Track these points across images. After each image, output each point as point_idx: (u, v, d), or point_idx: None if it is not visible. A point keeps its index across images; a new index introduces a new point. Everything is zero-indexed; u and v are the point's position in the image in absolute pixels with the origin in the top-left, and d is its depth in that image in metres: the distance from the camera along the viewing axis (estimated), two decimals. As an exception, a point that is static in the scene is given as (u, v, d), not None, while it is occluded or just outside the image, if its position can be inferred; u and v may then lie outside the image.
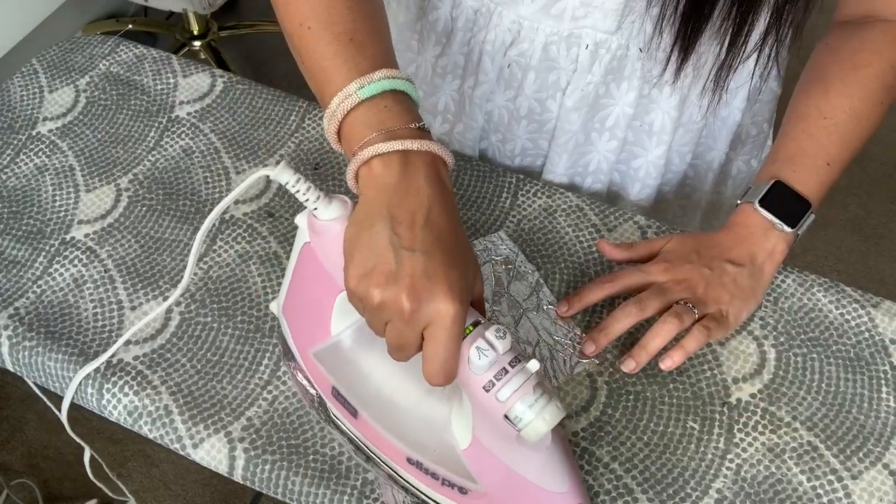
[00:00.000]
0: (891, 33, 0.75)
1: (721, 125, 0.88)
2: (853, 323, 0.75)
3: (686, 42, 0.72)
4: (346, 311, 0.61)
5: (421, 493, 0.62)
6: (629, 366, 0.69)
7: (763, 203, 0.72)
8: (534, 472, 0.57)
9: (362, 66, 0.59)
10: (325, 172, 0.84)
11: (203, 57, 2.07)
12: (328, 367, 0.64)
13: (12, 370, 0.74)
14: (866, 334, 0.74)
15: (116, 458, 1.60)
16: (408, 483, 0.62)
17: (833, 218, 1.99)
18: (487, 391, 0.53)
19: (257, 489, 0.67)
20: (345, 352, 0.64)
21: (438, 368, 0.53)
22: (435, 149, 0.57)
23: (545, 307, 0.74)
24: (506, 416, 0.53)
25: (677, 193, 0.94)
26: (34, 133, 0.87)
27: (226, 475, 0.67)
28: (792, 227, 0.72)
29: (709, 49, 0.74)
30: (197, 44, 2.07)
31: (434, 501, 0.62)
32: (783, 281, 0.77)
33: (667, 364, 0.68)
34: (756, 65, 0.76)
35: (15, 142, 0.86)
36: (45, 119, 0.88)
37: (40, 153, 0.85)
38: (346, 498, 0.65)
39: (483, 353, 0.52)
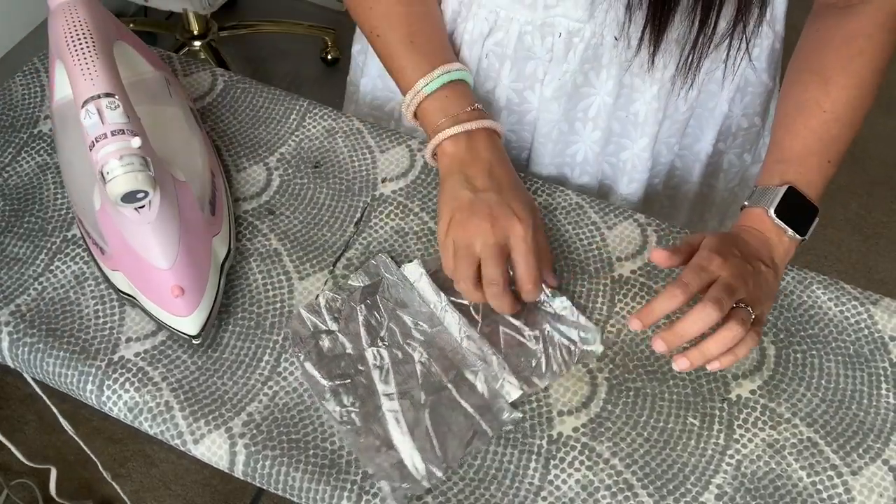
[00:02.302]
0: (880, 16, 0.75)
1: (708, 116, 0.88)
2: (853, 320, 0.75)
3: (657, 27, 0.73)
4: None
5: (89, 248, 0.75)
6: (682, 364, 0.65)
7: (776, 210, 0.71)
8: (139, 243, 0.67)
9: (423, 66, 0.76)
10: (326, 171, 0.84)
11: (203, 57, 2.07)
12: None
13: (12, 367, 0.74)
14: (866, 331, 0.74)
15: (116, 458, 1.60)
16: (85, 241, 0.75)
17: (833, 218, 1.99)
18: (91, 148, 0.63)
19: (258, 485, 0.67)
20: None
21: (526, 274, 0.70)
22: (488, 124, 0.75)
23: (545, 307, 0.75)
24: (101, 173, 0.63)
25: (666, 185, 0.94)
26: (35, 132, 0.87)
27: (226, 471, 0.67)
28: (802, 235, 0.72)
29: (681, 35, 0.75)
30: (197, 44, 2.07)
31: (93, 258, 0.75)
32: (783, 278, 0.77)
33: (716, 365, 0.65)
34: (728, 49, 0.76)
35: (17, 140, 0.86)
36: (46, 118, 0.88)
37: (42, 151, 0.85)
38: (346, 493, 0.65)
39: (90, 115, 0.63)
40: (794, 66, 0.79)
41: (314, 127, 0.87)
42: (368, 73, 0.98)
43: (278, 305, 0.74)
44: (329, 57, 2.23)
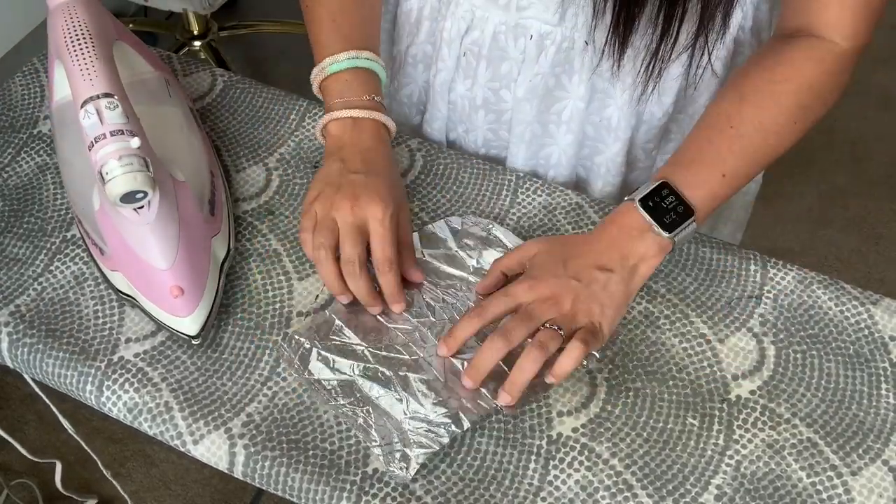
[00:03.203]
0: (816, 51, 0.72)
1: (688, 122, 0.89)
2: (853, 320, 0.75)
3: (620, 33, 0.73)
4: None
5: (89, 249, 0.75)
6: (504, 399, 0.66)
7: (644, 202, 0.70)
8: (138, 244, 0.67)
9: (336, 46, 0.77)
10: (325, 170, 0.84)
11: (203, 57, 2.07)
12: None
13: (12, 367, 0.74)
14: (866, 331, 0.74)
15: (116, 458, 1.60)
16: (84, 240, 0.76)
17: (833, 218, 1.99)
18: (90, 148, 0.63)
19: (257, 485, 0.67)
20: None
21: (380, 254, 0.71)
22: (377, 117, 0.76)
23: None
24: (100, 173, 0.63)
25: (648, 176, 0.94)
26: (35, 132, 0.87)
27: (226, 471, 0.67)
28: (668, 232, 0.69)
29: (646, 43, 0.75)
30: (197, 44, 2.07)
31: (93, 258, 0.75)
32: (783, 278, 0.77)
33: (550, 379, 0.66)
34: (690, 58, 0.76)
35: (16, 140, 0.86)
36: (45, 118, 0.88)
37: (41, 152, 0.85)
38: (345, 494, 0.65)
39: (89, 115, 0.63)
40: (727, 80, 0.78)
41: (314, 127, 0.87)
42: None
43: (278, 306, 0.74)
44: (329, 57, 2.23)
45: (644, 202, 0.70)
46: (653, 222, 0.69)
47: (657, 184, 0.70)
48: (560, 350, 0.67)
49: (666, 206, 0.70)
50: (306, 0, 0.80)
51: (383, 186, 0.73)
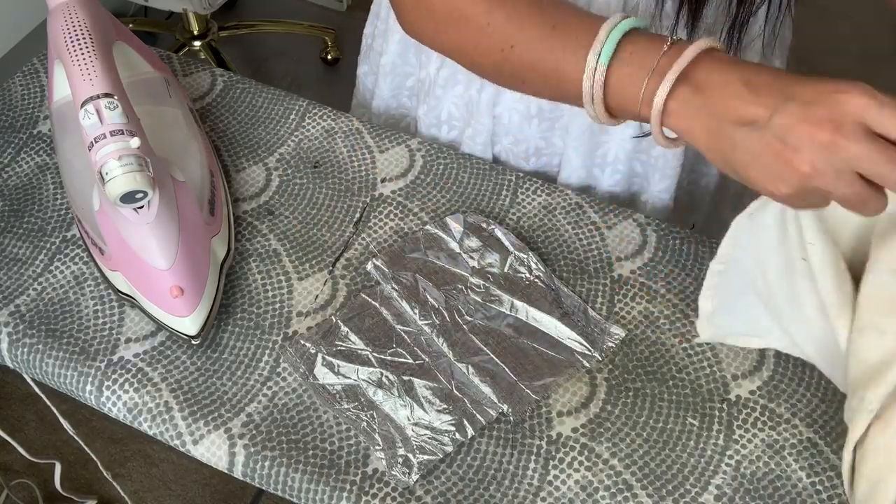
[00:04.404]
0: None
1: None
2: (852, 320, 0.75)
3: (692, 10, 0.68)
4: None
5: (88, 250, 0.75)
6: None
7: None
8: (138, 244, 0.67)
9: (582, 40, 0.57)
10: (325, 171, 0.84)
11: (203, 57, 2.07)
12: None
13: (12, 367, 0.74)
14: (865, 331, 0.74)
15: (116, 458, 1.60)
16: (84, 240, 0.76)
17: (833, 218, 1.99)
18: (90, 148, 0.63)
19: (257, 485, 0.67)
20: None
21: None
22: (700, 47, 0.54)
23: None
24: (100, 173, 0.62)
25: (688, 179, 0.93)
26: (35, 132, 0.87)
27: (226, 472, 0.67)
28: None
29: (716, 14, 0.70)
30: (197, 44, 2.07)
31: (93, 258, 0.75)
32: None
33: None
34: (767, 15, 0.71)
35: (16, 140, 0.86)
36: (45, 118, 0.88)
37: (41, 152, 0.85)
38: (345, 494, 0.65)
39: (88, 115, 0.63)
40: None
41: (313, 127, 0.87)
42: (381, 95, 0.97)
43: (277, 306, 0.74)
44: (329, 57, 2.23)
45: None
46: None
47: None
48: None
49: None
50: (506, 44, 0.61)
51: (798, 86, 0.52)
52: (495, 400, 0.68)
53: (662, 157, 0.88)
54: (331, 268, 0.77)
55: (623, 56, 0.56)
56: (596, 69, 0.56)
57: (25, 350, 0.72)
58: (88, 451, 1.14)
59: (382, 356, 0.71)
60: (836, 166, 0.50)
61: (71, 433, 1.00)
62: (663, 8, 0.72)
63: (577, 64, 0.57)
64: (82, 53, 0.65)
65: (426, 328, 0.72)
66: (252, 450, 0.67)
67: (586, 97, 0.57)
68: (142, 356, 0.71)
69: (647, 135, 0.77)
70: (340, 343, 0.71)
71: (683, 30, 0.72)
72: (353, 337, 0.72)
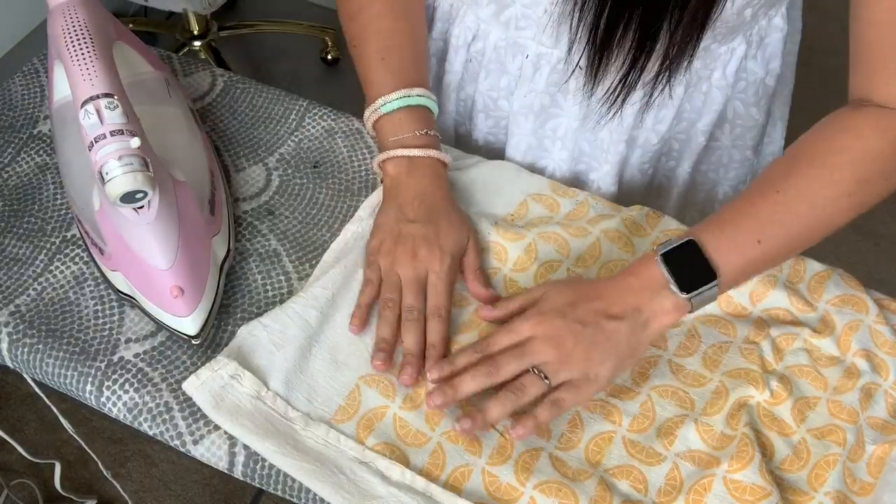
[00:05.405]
0: (883, 121, 0.67)
1: (684, 146, 0.90)
2: (852, 320, 0.75)
3: (597, 59, 0.72)
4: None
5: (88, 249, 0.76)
6: (463, 424, 0.64)
7: (667, 258, 0.65)
8: (138, 244, 0.67)
9: (387, 85, 0.77)
10: (325, 171, 0.84)
11: (203, 57, 2.07)
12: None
13: (12, 367, 0.74)
14: (865, 331, 0.74)
15: (116, 458, 1.60)
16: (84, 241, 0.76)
17: (833, 218, 1.99)
18: (90, 148, 0.63)
19: (257, 486, 0.67)
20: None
21: (433, 301, 0.72)
22: (432, 153, 0.76)
23: None
24: (100, 173, 0.63)
25: (645, 191, 0.94)
26: (35, 132, 0.87)
27: (226, 472, 0.67)
28: (686, 293, 0.65)
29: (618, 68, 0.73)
30: (197, 44, 2.07)
31: (93, 258, 0.75)
32: (782, 278, 0.77)
33: (518, 433, 0.63)
34: (655, 82, 0.74)
35: (16, 140, 0.86)
36: (45, 118, 0.88)
37: (41, 152, 0.85)
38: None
39: (89, 115, 0.63)
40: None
41: (313, 127, 0.87)
42: None
43: (278, 305, 0.74)
44: (329, 57, 2.23)
45: (667, 258, 0.65)
46: (671, 279, 0.65)
47: (684, 241, 0.66)
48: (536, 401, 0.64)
49: (689, 265, 0.65)
50: (354, 40, 0.80)
51: (441, 234, 0.73)
52: None
53: (596, 183, 0.90)
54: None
55: (395, 115, 0.77)
56: (377, 109, 0.77)
57: (25, 350, 0.72)
58: (88, 451, 1.14)
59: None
60: (394, 280, 0.73)
61: (71, 433, 1.00)
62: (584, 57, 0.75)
63: (374, 94, 0.78)
64: (82, 53, 0.65)
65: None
66: (252, 450, 0.67)
67: (365, 116, 0.79)
68: (142, 356, 0.71)
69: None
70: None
71: (589, 80, 0.76)
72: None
